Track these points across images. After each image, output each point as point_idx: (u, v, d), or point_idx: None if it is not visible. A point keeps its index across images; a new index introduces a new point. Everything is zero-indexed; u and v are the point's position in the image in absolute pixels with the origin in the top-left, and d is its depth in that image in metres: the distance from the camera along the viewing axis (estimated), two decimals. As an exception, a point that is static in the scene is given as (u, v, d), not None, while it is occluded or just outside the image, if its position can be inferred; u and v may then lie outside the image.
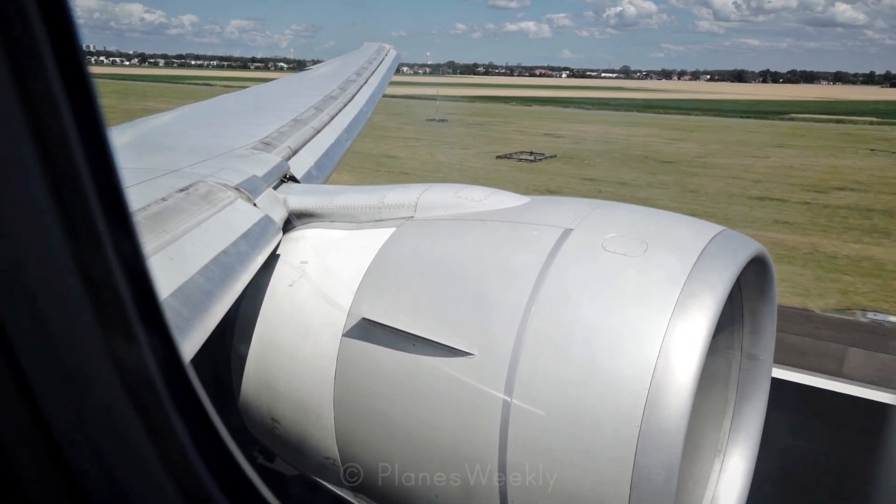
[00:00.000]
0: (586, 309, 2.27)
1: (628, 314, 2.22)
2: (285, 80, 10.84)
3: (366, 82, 11.04)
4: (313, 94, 8.43)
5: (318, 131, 6.12)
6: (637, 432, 2.09)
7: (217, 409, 1.11)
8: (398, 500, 2.64)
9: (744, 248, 2.47)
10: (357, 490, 2.83)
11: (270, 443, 3.13)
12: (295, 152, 4.89)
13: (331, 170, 5.50)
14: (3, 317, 0.87)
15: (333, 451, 2.77)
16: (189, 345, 1.96)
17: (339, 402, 2.70)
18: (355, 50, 17.05)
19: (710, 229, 2.54)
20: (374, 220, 3.08)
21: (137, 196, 2.62)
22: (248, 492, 1.12)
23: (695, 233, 2.50)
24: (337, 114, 7.53)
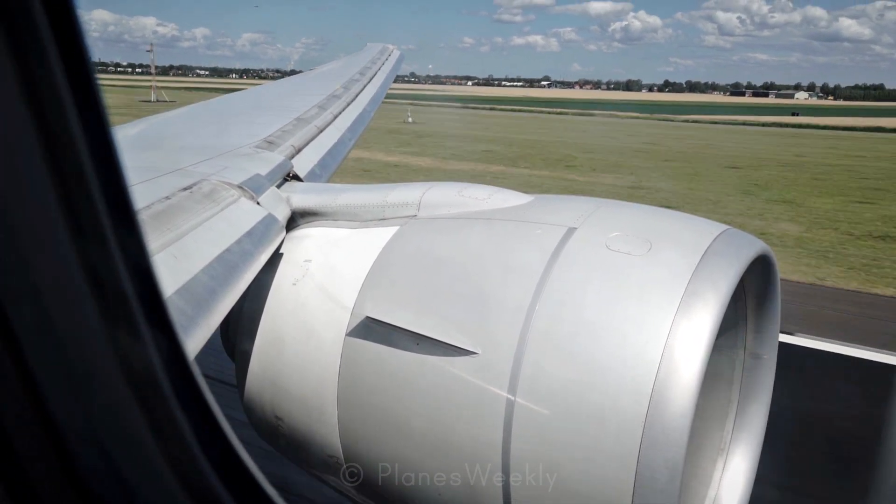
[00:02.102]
0: (590, 307, 2.27)
1: (632, 312, 2.22)
2: (289, 80, 10.86)
3: (369, 81, 11.04)
4: (317, 94, 8.43)
5: (322, 130, 6.13)
6: (641, 431, 2.08)
7: (220, 406, 1.11)
8: (401, 498, 2.65)
9: (748, 247, 2.47)
10: (359, 488, 2.84)
11: (273, 440, 3.14)
12: (298, 151, 4.90)
13: (334, 168, 5.51)
14: (8, 314, 0.88)
15: (337, 448, 2.77)
16: (193, 342, 1.97)
17: (342, 400, 2.70)
18: (358, 51, 17.06)
19: (714, 228, 2.54)
20: (377, 219, 3.08)
21: (141, 194, 2.63)
22: (252, 489, 1.12)
23: (699, 231, 2.50)
24: (340, 112, 7.53)
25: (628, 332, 2.19)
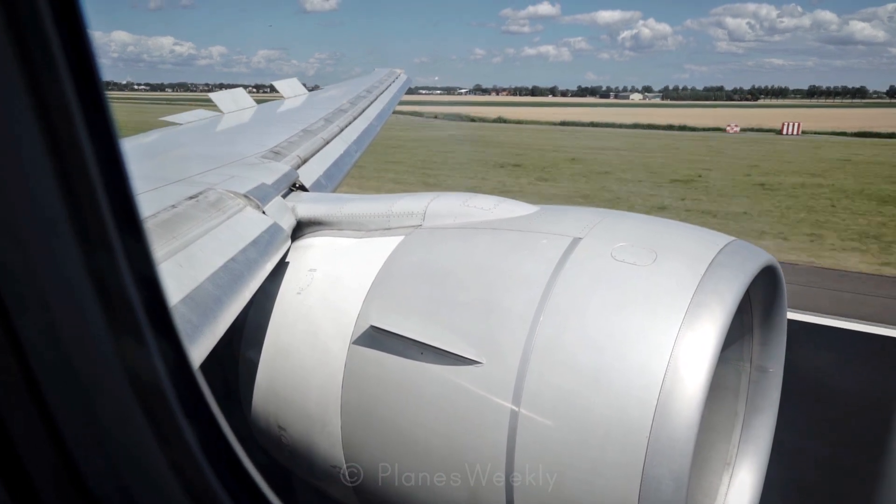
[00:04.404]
0: (595, 318, 2.26)
1: (637, 323, 2.21)
2: (296, 99, 10.97)
3: (376, 99, 11.16)
4: (323, 108, 8.50)
5: (328, 142, 6.16)
6: (646, 442, 2.07)
7: (224, 415, 1.11)
8: None
9: (754, 259, 2.46)
10: (361, 498, 2.82)
11: (276, 450, 3.13)
12: (304, 161, 4.92)
13: (339, 180, 5.53)
14: (15, 322, 0.88)
15: (340, 459, 2.76)
16: (198, 351, 1.97)
17: (346, 411, 2.69)
18: (366, 74, 17.51)
19: (720, 239, 2.53)
20: (382, 229, 3.09)
21: (147, 203, 2.64)
22: (256, 497, 1.12)
23: (705, 242, 2.49)
24: (347, 126, 7.58)
25: (633, 343, 2.18)
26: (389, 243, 2.94)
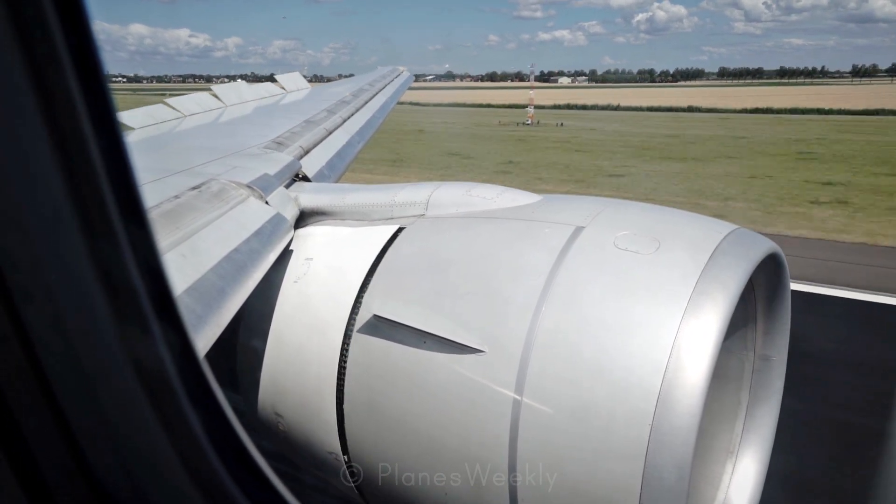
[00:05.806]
0: (598, 306, 2.26)
1: (640, 312, 2.21)
2: (298, 92, 10.97)
3: (379, 92, 11.15)
4: (326, 100, 8.48)
5: (330, 132, 6.15)
6: (648, 431, 2.08)
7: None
8: (405, 500, 2.65)
9: (757, 247, 2.45)
10: (362, 489, 2.84)
11: (274, 438, 3.15)
12: (307, 152, 4.91)
13: (342, 170, 5.52)
14: (21, 313, 0.89)
15: (336, 445, 2.78)
16: (202, 341, 1.98)
17: (348, 397, 2.70)
18: (370, 72, 17.72)
19: (723, 227, 2.53)
20: (385, 219, 3.09)
21: (151, 194, 2.64)
22: (262, 484, 1.13)
23: (707, 231, 2.49)
24: (349, 117, 7.56)
25: (636, 332, 2.18)
26: (391, 232, 2.94)
